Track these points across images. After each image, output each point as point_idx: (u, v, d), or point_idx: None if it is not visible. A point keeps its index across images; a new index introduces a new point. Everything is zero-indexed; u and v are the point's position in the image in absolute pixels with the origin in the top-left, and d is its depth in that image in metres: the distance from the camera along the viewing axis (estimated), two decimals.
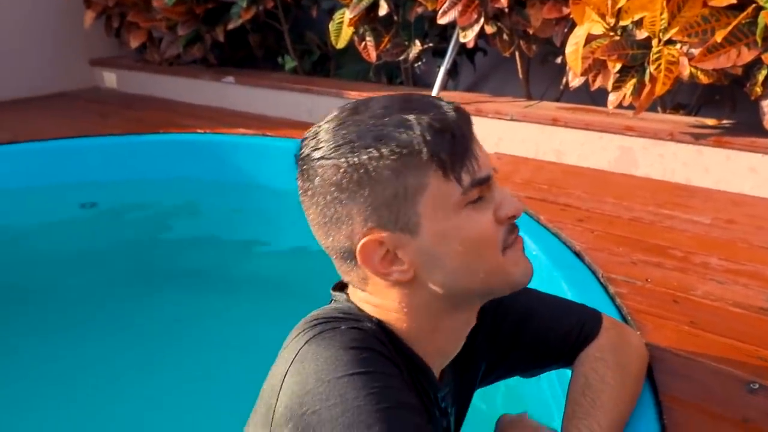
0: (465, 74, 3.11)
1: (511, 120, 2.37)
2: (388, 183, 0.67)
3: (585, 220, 1.72)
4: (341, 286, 0.82)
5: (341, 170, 0.68)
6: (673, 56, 1.82)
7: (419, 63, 2.93)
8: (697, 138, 1.98)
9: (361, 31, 2.65)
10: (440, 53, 2.82)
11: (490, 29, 2.33)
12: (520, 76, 2.64)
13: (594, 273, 1.42)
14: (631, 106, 1.99)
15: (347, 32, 2.67)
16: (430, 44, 2.76)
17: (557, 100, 2.59)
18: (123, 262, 2.31)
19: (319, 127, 0.72)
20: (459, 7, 2.29)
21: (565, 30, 2.20)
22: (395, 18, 2.66)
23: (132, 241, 2.45)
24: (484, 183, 0.70)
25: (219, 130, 2.85)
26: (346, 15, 2.61)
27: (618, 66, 1.95)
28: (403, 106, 0.69)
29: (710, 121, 2.12)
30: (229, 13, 3.15)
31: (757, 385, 1.00)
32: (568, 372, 0.93)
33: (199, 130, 2.84)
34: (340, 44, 2.73)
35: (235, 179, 2.61)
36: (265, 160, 2.61)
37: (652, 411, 0.95)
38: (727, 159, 1.95)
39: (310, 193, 0.71)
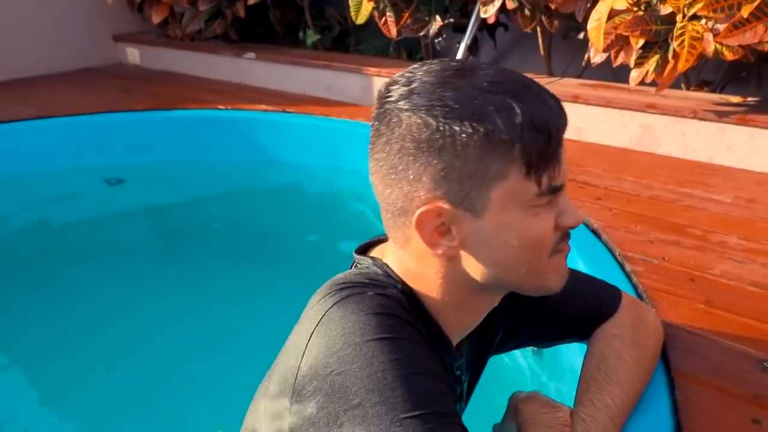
0: (486, 50, 3.08)
1: None
2: (471, 160, 0.65)
3: (603, 198, 1.72)
4: (364, 249, 0.82)
5: (428, 131, 0.65)
6: (698, 32, 1.79)
7: (440, 39, 2.91)
8: (720, 116, 1.95)
9: (381, 6, 2.63)
10: (461, 29, 2.79)
11: (511, 4, 2.30)
12: (542, 52, 2.62)
13: (611, 251, 1.42)
14: (653, 83, 1.97)
15: (367, 7, 2.65)
16: (451, 20, 2.74)
17: (579, 76, 2.56)
18: (147, 235, 2.35)
19: (414, 74, 0.69)
20: None
21: (588, 5, 2.17)
22: None
23: (158, 216, 2.50)
24: (558, 191, 0.70)
25: (239, 106, 2.87)
26: None
27: (641, 42, 1.92)
28: (510, 87, 0.66)
29: (734, 99, 2.09)
30: None
31: None
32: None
33: (220, 106, 2.86)
34: (360, 20, 2.72)
35: (256, 155, 2.64)
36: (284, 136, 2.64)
37: (664, 387, 0.97)
38: (750, 137, 1.92)
39: (384, 139, 0.69)
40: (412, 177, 0.67)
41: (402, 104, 0.67)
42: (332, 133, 2.63)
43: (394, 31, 2.66)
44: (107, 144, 2.67)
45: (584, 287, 0.96)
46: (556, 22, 2.38)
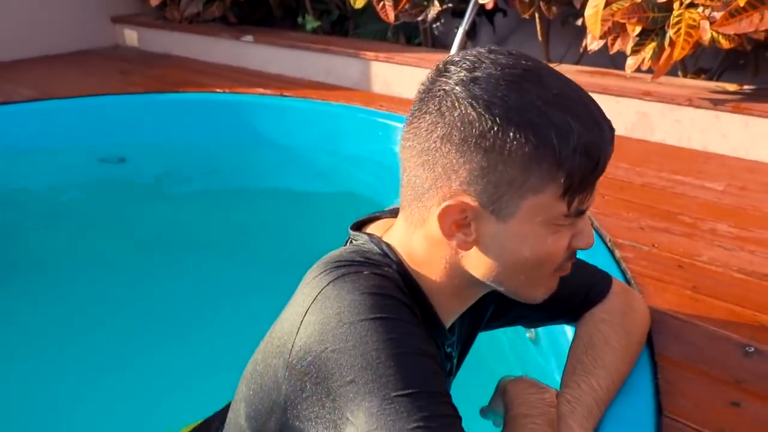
0: (484, 35, 3.08)
1: None
2: (514, 168, 0.64)
3: (597, 184, 1.73)
4: (360, 225, 0.83)
5: (480, 127, 0.64)
6: (694, 20, 1.79)
7: (438, 24, 2.90)
8: (716, 104, 1.96)
9: None
10: (459, 14, 2.79)
11: None
12: (540, 38, 2.61)
13: (602, 237, 1.44)
14: (650, 71, 1.97)
15: None
16: (449, 4, 2.73)
17: (577, 62, 2.56)
18: (144, 219, 2.37)
19: (480, 61, 0.66)
20: None
21: None
22: None
23: (155, 199, 2.51)
24: (582, 214, 0.71)
25: (238, 89, 2.87)
26: None
27: (638, 29, 1.92)
28: (573, 106, 0.65)
29: (731, 87, 2.09)
30: None
31: (752, 349, 1.03)
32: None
33: (218, 90, 2.86)
34: (359, 4, 2.71)
35: (253, 139, 2.65)
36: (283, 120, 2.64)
37: (648, 371, 0.98)
38: (745, 125, 1.93)
39: (429, 119, 0.67)
40: (448, 166, 0.66)
41: (459, 90, 0.65)
42: (331, 118, 2.63)
43: (392, 16, 2.66)
44: (106, 127, 2.67)
45: (576, 271, 0.97)
46: (554, 8, 2.38)
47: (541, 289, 0.76)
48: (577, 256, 0.78)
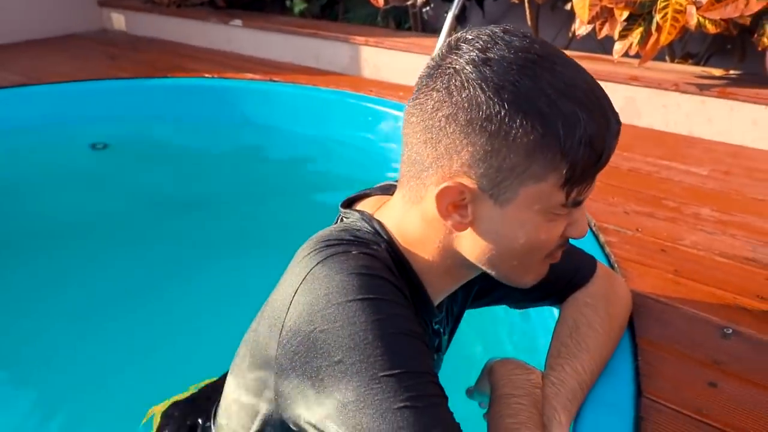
0: (474, 20, 3.07)
1: None
2: (516, 154, 0.64)
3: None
4: (350, 203, 0.82)
5: (487, 110, 0.63)
6: (681, 5, 1.80)
7: (428, 8, 2.89)
8: (702, 89, 1.97)
9: None
10: None
11: None
12: (529, 23, 2.61)
13: (587, 222, 1.45)
14: (637, 55, 1.98)
15: None
16: None
17: (566, 47, 2.57)
18: (131, 203, 2.36)
19: (494, 41, 0.65)
20: None
21: None
22: None
23: (142, 183, 2.51)
24: (579, 204, 0.71)
25: (226, 74, 2.86)
26: None
27: (625, 14, 1.93)
28: (583, 97, 0.64)
29: (717, 72, 2.11)
30: None
31: (731, 330, 1.05)
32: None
33: (206, 75, 2.85)
34: None
35: (243, 124, 2.64)
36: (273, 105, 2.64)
37: (629, 352, 1.01)
38: (730, 110, 1.95)
39: (437, 96, 0.66)
40: (451, 146, 0.66)
41: (470, 70, 0.63)
42: (320, 103, 2.63)
43: (381, 0, 2.65)
44: (93, 112, 2.66)
45: (563, 255, 0.98)
46: None
47: (531, 274, 0.77)
48: None
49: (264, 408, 0.73)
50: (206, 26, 3.44)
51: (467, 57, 0.64)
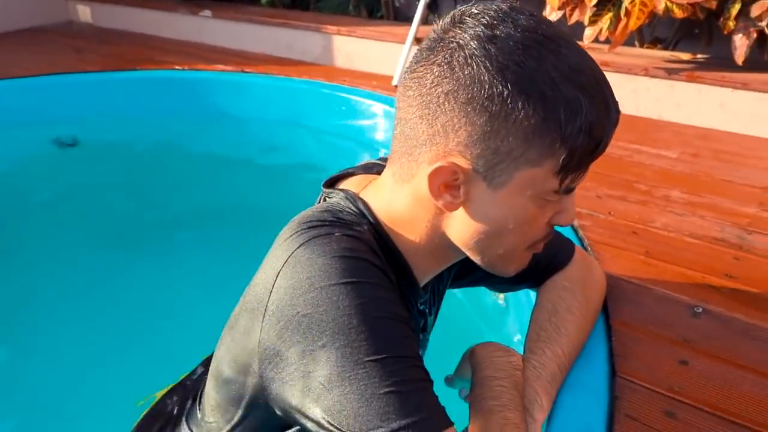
0: (446, 8, 3.06)
1: None
2: (515, 137, 0.62)
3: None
4: (333, 182, 0.81)
5: (489, 90, 0.61)
6: None
7: None
8: (671, 73, 2.00)
9: None
10: None
11: None
12: None
13: None
14: (607, 41, 2.00)
15: None
16: None
17: None
18: (99, 201, 2.33)
19: (501, 18, 0.63)
20: None
21: None
22: None
23: (111, 179, 2.47)
24: (571, 191, 0.70)
25: (197, 66, 2.82)
26: None
27: (595, 0, 1.94)
28: (587, 83, 0.62)
29: (685, 56, 2.14)
30: None
31: (701, 309, 1.08)
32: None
33: (176, 67, 2.81)
34: None
35: (214, 115, 2.61)
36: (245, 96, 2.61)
37: (603, 334, 1.02)
38: (698, 94, 1.98)
39: (438, 71, 0.63)
40: (448, 124, 0.64)
41: (475, 46, 0.62)
42: (293, 93, 2.60)
43: None
44: (60, 107, 2.60)
45: None
46: None
47: (514, 264, 0.76)
48: None
49: (248, 393, 0.72)
50: (175, 17, 3.38)
51: (472, 32, 0.62)
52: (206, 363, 0.97)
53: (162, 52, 3.08)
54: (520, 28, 0.62)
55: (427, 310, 0.88)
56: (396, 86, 2.47)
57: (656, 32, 2.46)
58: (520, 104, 0.61)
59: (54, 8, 3.82)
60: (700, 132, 1.93)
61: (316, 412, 0.62)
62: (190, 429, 0.88)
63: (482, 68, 0.61)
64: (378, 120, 2.37)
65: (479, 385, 0.80)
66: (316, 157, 2.52)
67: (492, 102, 0.61)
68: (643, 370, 0.94)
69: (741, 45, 1.86)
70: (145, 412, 0.99)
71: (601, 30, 1.96)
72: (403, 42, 2.50)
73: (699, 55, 2.14)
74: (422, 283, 0.80)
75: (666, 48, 2.41)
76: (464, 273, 0.96)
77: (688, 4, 1.82)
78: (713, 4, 1.83)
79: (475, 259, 0.75)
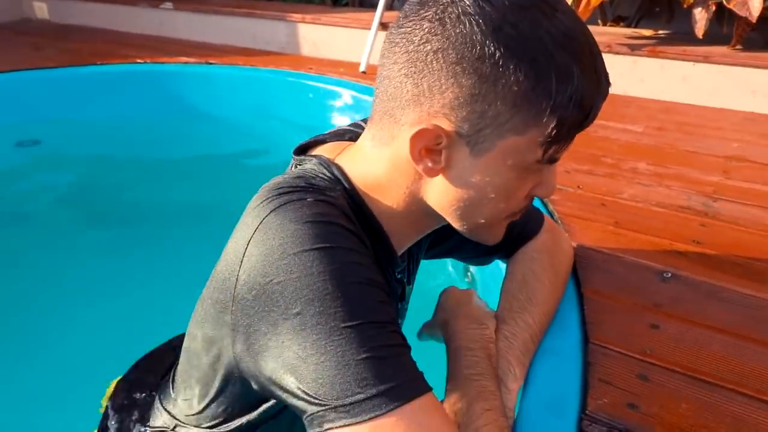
0: None
1: None
2: (504, 103, 0.60)
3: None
4: (304, 149, 0.79)
5: (481, 51, 0.59)
6: None
7: None
8: (633, 49, 2.02)
9: None
10: None
11: None
12: None
13: None
14: None
15: None
16: None
17: None
18: (65, 199, 2.28)
19: None
20: None
21: None
22: None
23: (75, 177, 2.41)
24: (554, 162, 0.68)
25: (160, 59, 2.77)
26: None
27: None
28: (580, 51, 0.61)
29: (647, 32, 2.17)
30: None
31: (669, 274, 1.09)
32: None
33: (138, 60, 2.75)
34: None
35: (181, 109, 2.57)
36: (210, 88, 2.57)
37: (575, 303, 1.03)
38: (661, 68, 2.01)
39: (428, 27, 0.61)
40: (435, 84, 0.61)
41: (469, 2, 0.59)
42: (258, 83, 2.57)
43: None
44: (19, 105, 2.53)
45: None
46: None
47: (492, 233, 0.76)
48: None
49: (222, 367, 0.70)
50: (136, 11, 3.32)
51: None
52: (178, 339, 0.95)
53: (123, 47, 3.02)
54: None
55: (405, 279, 0.87)
56: (363, 72, 2.46)
57: (619, 11, 2.49)
58: (511, 68, 0.59)
59: (9, 6, 3.72)
60: (664, 105, 1.95)
61: (290, 382, 0.60)
62: (163, 407, 0.86)
63: (475, 27, 0.58)
64: (346, 106, 2.36)
65: (454, 355, 0.80)
66: (284, 146, 2.49)
67: (483, 63, 0.59)
68: (615, 336, 0.95)
69: (701, 18, 1.88)
70: (114, 385, 0.97)
71: None
72: (368, 28, 2.49)
73: (661, 31, 2.17)
74: (400, 252, 0.79)
75: (628, 25, 2.43)
76: (438, 241, 0.95)
77: None
78: None
79: (456, 225, 0.74)
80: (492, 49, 0.58)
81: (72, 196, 2.30)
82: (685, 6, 1.91)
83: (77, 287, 1.79)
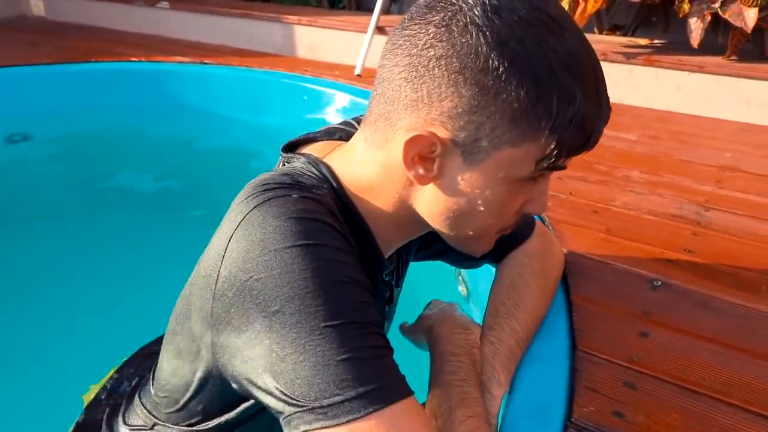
0: None
1: None
2: (501, 117, 0.60)
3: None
4: (292, 147, 0.78)
5: (485, 63, 0.58)
6: None
7: None
8: (629, 57, 2.02)
9: None
10: None
11: None
12: None
13: None
14: None
15: None
16: None
17: None
18: (56, 196, 2.26)
19: None
20: None
21: None
22: None
23: (67, 173, 2.40)
24: (544, 177, 0.68)
25: (155, 58, 2.75)
26: None
27: None
28: (585, 73, 0.60)
29: (643, 41, 2.17)
30: None
31: (659, 282, 1.08)
32: None
33: (133, 59, 2.74)
34: None
35: (175, 108, 2.56)
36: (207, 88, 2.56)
37: (563, 309, 1.02)
38: (656, 77, 2.01)
39: (434, 32, 0.60)
40: (434, 91, 0.61)
41: (478, 13, 0.58)
42: (254, 84, 2.56)
43: None
44: (11, 100, 2.52)
45: None
46: None
47: (480, 246, 0.75)
48: None
49: (202, 364, 0.69)
50: (132, 9, 3.31)
51: (474, 1, 0.59)
52: (159, 339, 0.94)
53: (119, 45, 3.01)
54: (527, 3, 0.59)
55: (393, 281, 0.86)
56: (359, 76, 2.45)
57: (615, 19, 2.49)
58: (513, 83, 0.58)
59: (5, 2, 3.71)
60: (659, 114, 1.95)
61: (268, 381, 0.59)
62: (143, 405, 0.84)
63: (482, 38, 0.58)
64: (341, 109, 2.35)
65: (438, 359, 0.79)
66: (277, 147, 2.48)
67: (485, 76, 0.58)
68: (603, 343, 0.94)
69: (696, 28, 1.88)
70: (97, 389, 0.95)
71: None
72: (365, 31, 2.49)
73: (656, 40, 2.17)
74: (387, 254, 0.78)
75: (625, 34, 2.44)
76: (426, 244, 0.94)
77: None
78: None
79: (444, 235, 0.73)
80: (496, 63, 0.58)
81: (63, 192, 2.28)
82: (680, 16, 1.91)
83: (66, 284, 1.78)
